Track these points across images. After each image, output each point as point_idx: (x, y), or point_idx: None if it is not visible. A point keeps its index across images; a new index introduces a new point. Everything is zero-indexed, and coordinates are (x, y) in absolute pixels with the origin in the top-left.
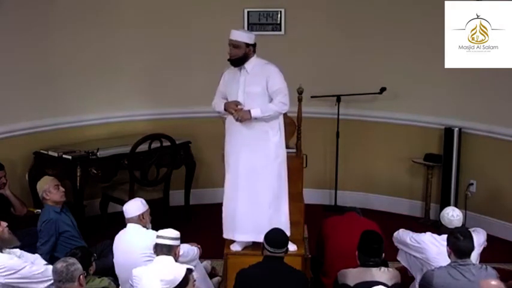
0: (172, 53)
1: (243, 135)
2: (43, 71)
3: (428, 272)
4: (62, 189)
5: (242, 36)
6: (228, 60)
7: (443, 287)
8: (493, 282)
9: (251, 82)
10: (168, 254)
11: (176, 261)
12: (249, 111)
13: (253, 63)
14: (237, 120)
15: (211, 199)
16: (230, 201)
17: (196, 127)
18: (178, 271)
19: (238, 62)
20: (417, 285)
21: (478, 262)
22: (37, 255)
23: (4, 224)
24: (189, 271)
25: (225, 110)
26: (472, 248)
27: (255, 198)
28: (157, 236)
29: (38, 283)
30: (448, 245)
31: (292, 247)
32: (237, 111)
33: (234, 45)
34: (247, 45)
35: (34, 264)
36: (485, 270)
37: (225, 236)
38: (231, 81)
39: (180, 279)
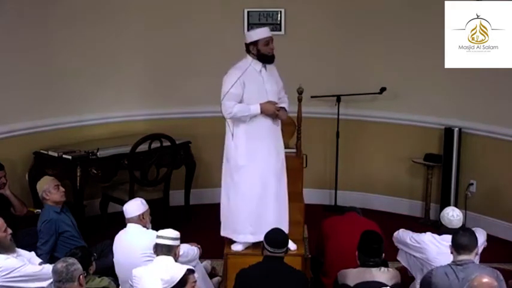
0: (172, 53)
1: (270, 136)
2: (43, 71)
3: (428, 271)
4: (62, 189)
5: None
6: (268, 57)
7: (439, 285)
8: (485, 280)
9: (270, 81)
10: (167, 254)
11: (176, 261)
12: (285, 109)
13: None
14: (277, 118)
15: (211, 199)
16: (253, 201)
17: (196, 127)
18: (176, 271)
19: (273, 59)
20: (417, 285)
21: (477, 262)
22: (32, 253)
23: (9, 231)
24: (189, 271)
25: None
26: (471, 245)
27: (280, 197)
28: (157, 236)
29: (37, 281)
30: (451, 242)
31: (292, 246)
32: (279, 111)
33: (272, 41)
34: None
35: (31, 263)
36: (483, 270)
37: (240, 239)
38: (253, 82)
39: (179, 279)
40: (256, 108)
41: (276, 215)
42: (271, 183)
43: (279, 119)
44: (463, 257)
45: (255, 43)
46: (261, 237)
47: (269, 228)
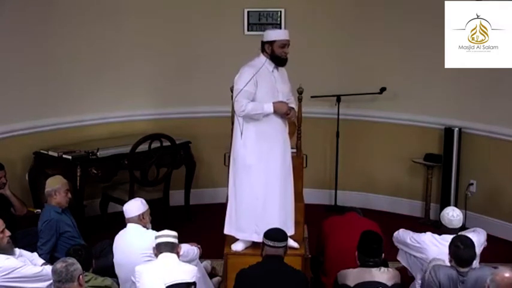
0: (172, 52)
1: (279, 136)
2: (43, 71)
3: (432, 269)
4: (69, 195)
5: None
6: (281, 59)
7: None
8: (507, 274)
9: (282, 82)
10: (171, 251)
11: None
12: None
13: None
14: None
15: (211, 199)
16: (258, 200)
17: (196, 127)
18: (183, 271)
19: (286, 62)
20: (417, 285)
21: (478, 262)
22: (35, 254)
23: (8, 233)
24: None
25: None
26: (473, 257)
27: (286, 198)
28: (158, 236)
29: (36, 282)
30: (449, 252)
31: (294, 243)
32: (290, 111)
33: (289, 45)
34: None
35: (32, 264)
36: (486, 270)
37: (245, 237)
38: (266, 82)
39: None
40: (269, 107)
41: (282, 215)
42: (278, 183)
43: (287, 120)
44: (464, 269)
45: (271, 43)
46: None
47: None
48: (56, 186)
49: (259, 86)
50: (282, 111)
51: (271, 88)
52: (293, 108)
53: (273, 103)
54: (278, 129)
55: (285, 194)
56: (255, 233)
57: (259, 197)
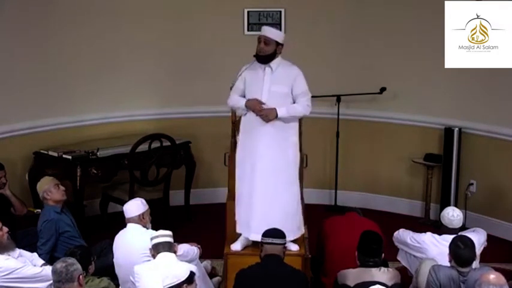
0: (172, 53)
1: (264, 133)
2: (43, 71)
3: (433, 269)
4: (62, 187)
5: (274, 34)
6: (255, 55)
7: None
8: (492, 276)
9: (276, 81)
10: (169, 251)
11: None
12: (275, 110)
13: (278, 62)
14: (263, 119)
15: (211, 199)
16: (244, 199)
17: (196, 127)
18: (182, 269)
19: (265, 59)
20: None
21: (478, 262)
22: (35, 254)
23: (5, 229)
24: (192, 273)
25: (245, 107)
26: (473, 257)
27: (273, 199)
28: (155, 237)
29: (36, 282)
30: (449, 252)
31: (294, 247)
32: (261, 110)
33: (266, 41)
34: (277, 43)
35: (32, 264)
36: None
37: (238, 231)
38: (253, 79)
39: (185, 277)
40: (242, 103)
41: (279, 215)
42: (264, 181)
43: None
44: (464, 269)
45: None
46: (255, 235)
47: (267, 227)
48: (44, 187)
49: (247, 83)
50: (251, 108)
51: (257, 86)
52: (274, 109)
53: (246, 100)
54: (267, 127)
55: (279, 193)
56: (247, 228)
57: (248, 193)
